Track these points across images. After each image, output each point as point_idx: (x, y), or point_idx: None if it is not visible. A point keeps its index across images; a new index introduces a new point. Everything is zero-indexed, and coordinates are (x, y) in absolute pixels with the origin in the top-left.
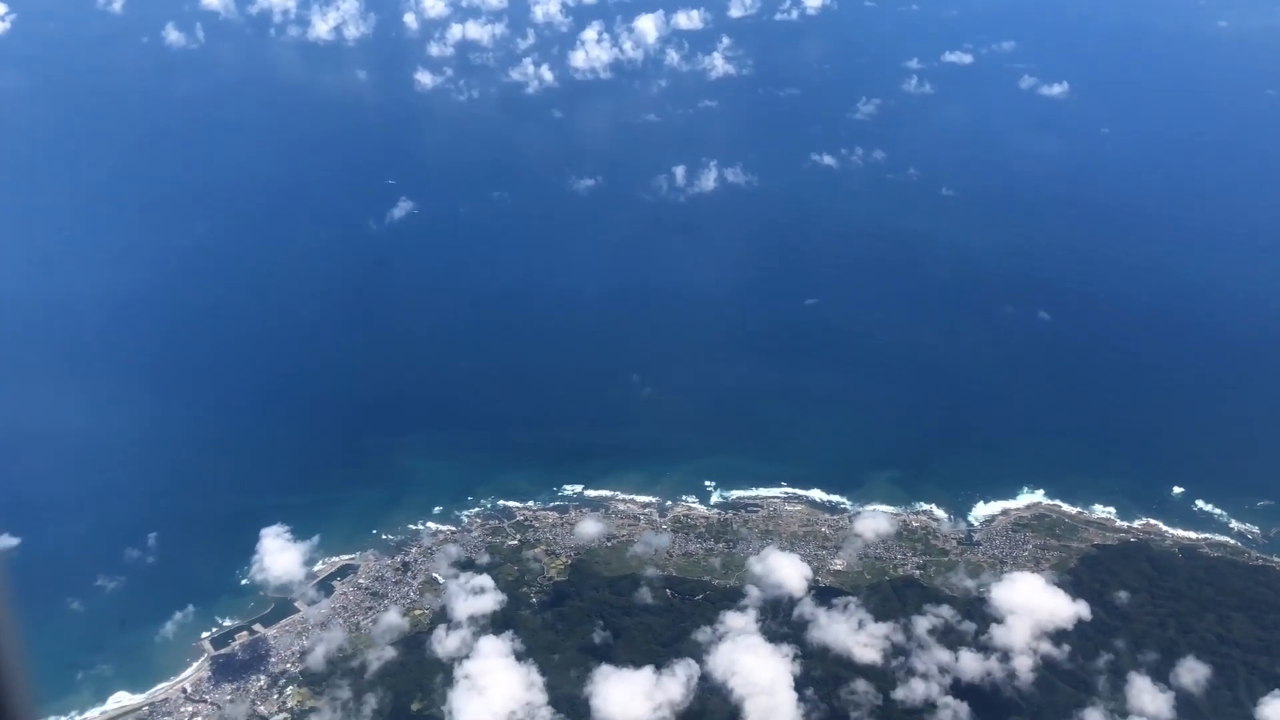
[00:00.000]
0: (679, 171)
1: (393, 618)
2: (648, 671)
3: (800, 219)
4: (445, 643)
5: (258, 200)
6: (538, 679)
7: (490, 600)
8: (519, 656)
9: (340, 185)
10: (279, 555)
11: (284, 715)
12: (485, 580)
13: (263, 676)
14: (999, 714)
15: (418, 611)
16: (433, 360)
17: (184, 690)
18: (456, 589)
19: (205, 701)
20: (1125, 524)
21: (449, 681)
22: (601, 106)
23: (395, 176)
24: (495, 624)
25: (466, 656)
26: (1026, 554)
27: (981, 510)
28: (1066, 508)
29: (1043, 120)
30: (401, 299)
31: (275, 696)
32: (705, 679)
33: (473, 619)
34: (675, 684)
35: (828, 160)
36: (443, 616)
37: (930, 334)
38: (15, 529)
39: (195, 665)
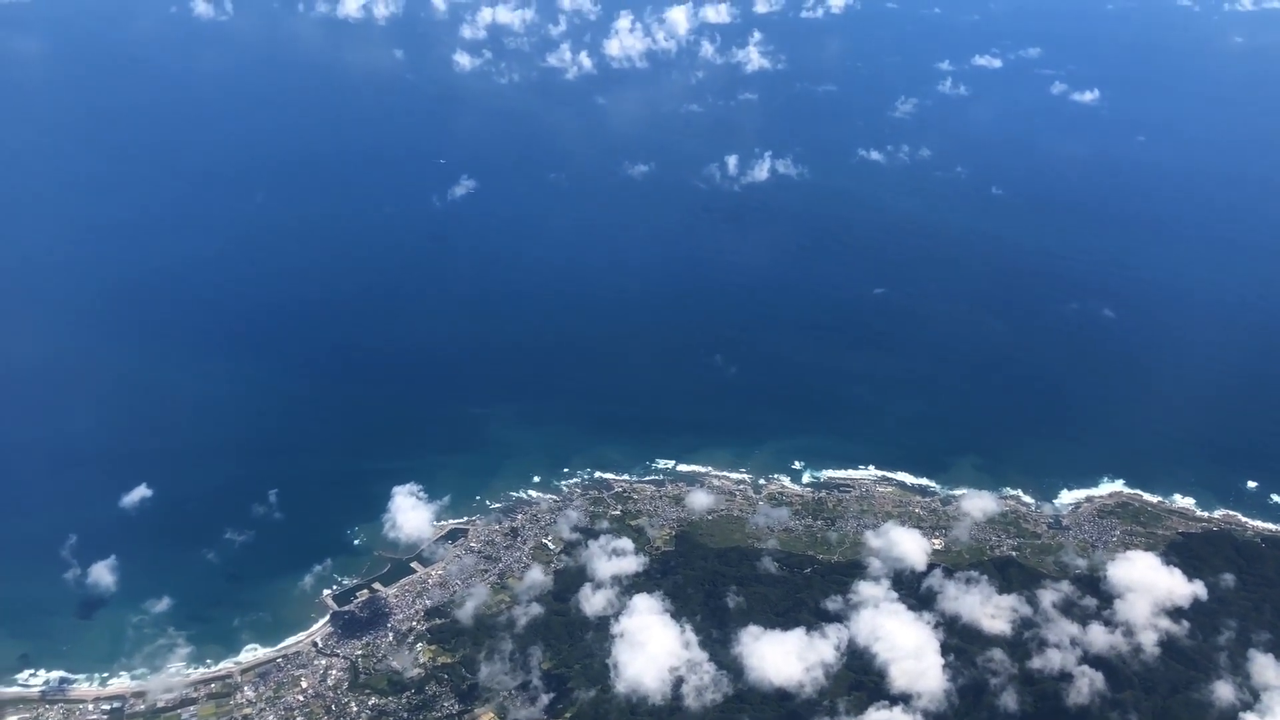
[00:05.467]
0: (731, 161)
1: (536, 575)
2: (799, 633)
3: (855, 211)
4: (592, 600)
5: (311, 174)
6: (693, 636)
7: (633, 562)
8: (673, 615)
9: (392, 163)
10: (410, 514)
11: (419, 670)
12: (625, 543)
13: (389, 633)
14: (1128, 685)
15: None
16: (512, 335)
17: (314, 644)
18: (597, 550)
19: (337, 655)
20: (1206, 514)
21: (602, 637)
22: (642, 95)
23: (445, 156)
24: (636, 585)
25: (617, 614)
26: (1115, 539)
27: (1067, 497)
28: (1148, 497)
29: (1079, 125)
30: (474, 274)
31: (406, 653)
32: (850, 643)
33: (616, 579)
34: (826, 646)
35: (875, 156)
36: (569, 577)
37: (998, 327)
38: (150, 479)
39: (321, 621)
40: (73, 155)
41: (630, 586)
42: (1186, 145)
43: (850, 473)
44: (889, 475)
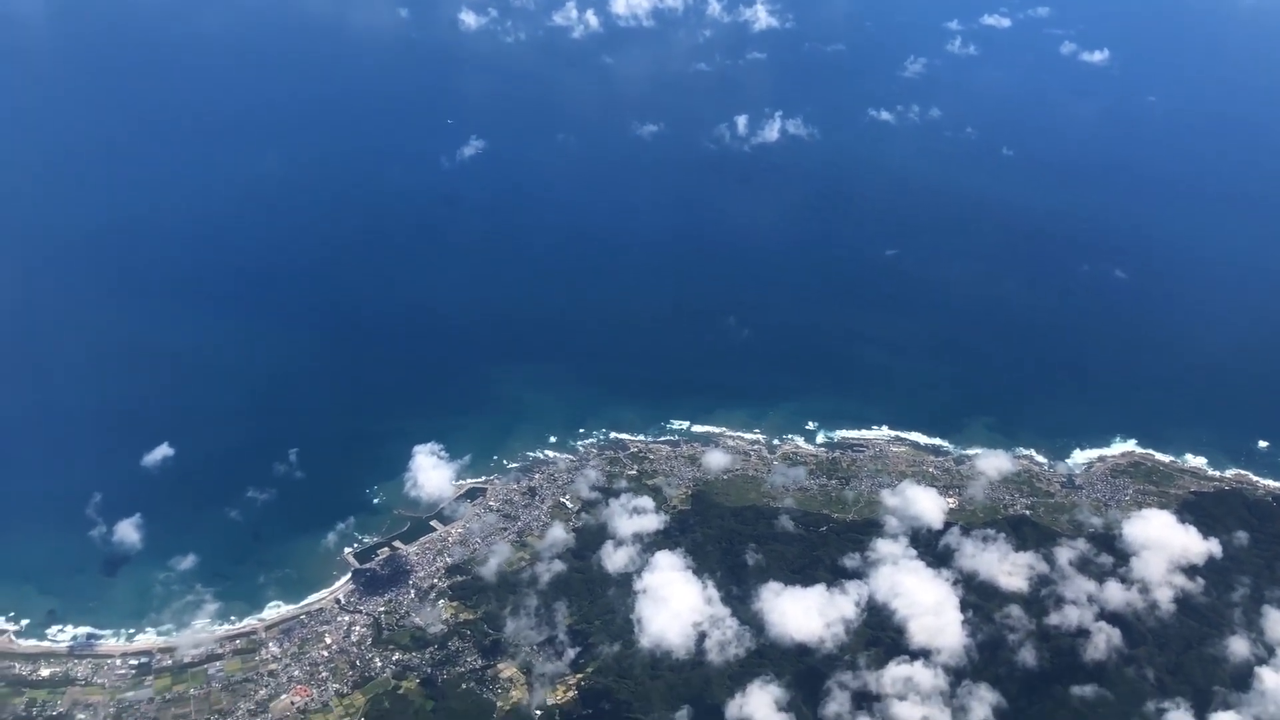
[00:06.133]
0: (741, 121)
1: (558, 533)
2: (819, 589)
3: (866, 172)
4: (614, 557)
5: (321, 135)
6: (714, 593)
7: (654, 520)
8: (694, 572)
9: (401, 123)
10: (431, 473)
11: (442, 626)
12: (645, 501)
13: (410, 590)
14: (1143, 641)
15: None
16: (524, 296)
17: (337, 601)
18: (617, 508)
19: (360, 612)
20: (1217, 473)
21: (624, 593)
22: (650, 54)
23: (454, 116)
24: (658, 543)
25: (639, 570)
26: (1128, 498)
27: (1079, 456)
28: (1160, 456)
29: (1088, 86)
30: (486, 235)
31: (428, 609)
32: (869, 599)
33: (637, 536)
34: (846, 602)
35: (885, 116)
36: (589, 535)
37: (1011, 288)
38: (171, 439)
39: (343, 579)
40: (83, 117)
41: (651, 544)
42: (1197, 105)
43: (864, 433)
44: (902, 435)
